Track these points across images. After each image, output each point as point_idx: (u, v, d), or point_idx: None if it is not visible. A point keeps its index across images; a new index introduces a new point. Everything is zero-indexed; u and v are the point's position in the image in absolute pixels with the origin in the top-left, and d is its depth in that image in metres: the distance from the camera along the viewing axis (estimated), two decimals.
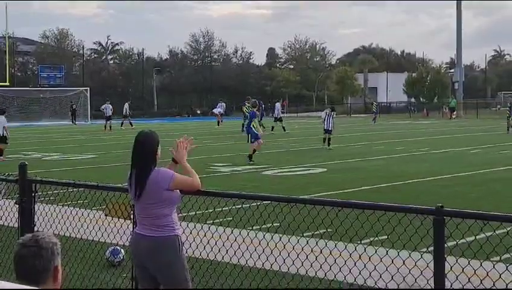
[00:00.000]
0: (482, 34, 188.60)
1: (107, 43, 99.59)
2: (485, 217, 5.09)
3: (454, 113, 67.41)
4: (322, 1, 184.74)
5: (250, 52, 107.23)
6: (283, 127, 42.47)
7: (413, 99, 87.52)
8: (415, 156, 25.80)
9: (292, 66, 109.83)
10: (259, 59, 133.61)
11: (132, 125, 49.18)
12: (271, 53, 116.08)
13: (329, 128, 29.42)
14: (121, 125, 51.11)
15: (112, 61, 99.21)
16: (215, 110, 57.08)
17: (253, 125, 24.62)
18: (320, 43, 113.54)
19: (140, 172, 5.75)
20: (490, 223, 4.93)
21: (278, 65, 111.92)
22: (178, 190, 5.82)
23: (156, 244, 5.68)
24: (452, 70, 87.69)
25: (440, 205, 4.83)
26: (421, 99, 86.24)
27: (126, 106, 54.41)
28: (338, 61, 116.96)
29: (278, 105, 46.87)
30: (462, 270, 5.45)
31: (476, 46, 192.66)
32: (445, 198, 14.39)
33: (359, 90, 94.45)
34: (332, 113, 30.57)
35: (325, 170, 21.25)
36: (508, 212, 5.71)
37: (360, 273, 6.26)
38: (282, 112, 51.62)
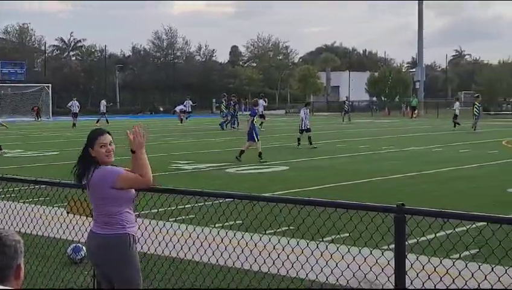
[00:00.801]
0: (444, 34, 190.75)
1: (69, 39, 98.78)
2: (445, 215, 5.14)
3: (416, 112, 68.05)
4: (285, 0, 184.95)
5: (213, 50, 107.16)
6: (261, 124, 43.03)
7: (375, 98, 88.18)
8: (378, 154, 26.00)
9: (255, 64, 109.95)
10: (223, 57, 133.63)
11: (108, 122, 49.41)
12: (234, 51, 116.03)
13: (309, 127, 29.20)
14: (97, 122, 51.07)
15: (74, 58, 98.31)
16: (177, 108, 57.37)
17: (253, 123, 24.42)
18: (283, 41, 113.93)
19: (81, 170, 5.74)
20: (450, 221, 4.98)
21: (241, 63, 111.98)
22: (131, 188, 5.73)
23: (105, 242, 5.62)
24: (413, 70, 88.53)
25: (401, 203, 4.86)
26: (383, 98, 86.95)
27: (103, 102, 54.72)
28: (301, 60, 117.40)
29: (261, 102, 47.20)
30: (423, 267, 5.50)
31: (437, 46, 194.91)
32: (407, 196, 14.52)
33: (322, 88, 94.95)
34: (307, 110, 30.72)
35: (288, 167, 21.31)
36: (468, 210, 5.79)
37: (321, 270, 6.28)
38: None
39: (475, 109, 41.76)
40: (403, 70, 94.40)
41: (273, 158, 23.97)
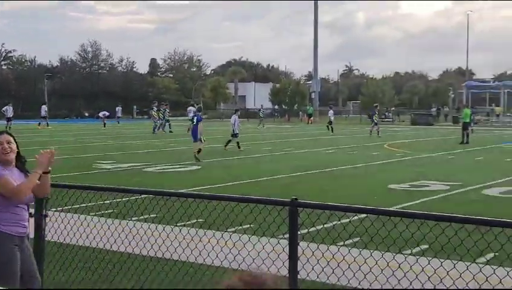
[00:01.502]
0: (336, 51, 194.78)
1: (0, 50, 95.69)
2: (332, 208, 5.25)
3: (312, 118, 69.04)
4: (198, 15, 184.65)
5: (133, 62, 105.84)
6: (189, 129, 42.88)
7: (277, 106, 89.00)
8: (280, 155, 26.24)
9: (172, 75, 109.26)
10: (142, 68, 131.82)
11: (48, 125, 48.99)
12: (153, 63, 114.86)
13: (237, 133, 28.80)
14: (38, 125, 50.32)
15: (5, 67, 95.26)
16: (101, 113, 57.27)
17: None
18: (196, 55, 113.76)
19: None
20: (336, 213, 5.07)
21: (159, 74, 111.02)
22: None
23: None
24: (310, 82, 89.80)
25: (294, 197, 4.93)
26: (284, 106, 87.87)
27: (44, 107, 53.89)
28: (212, 72, 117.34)
29: (191, 109, 47.00)
30: (313, 253, 5.59)
31: (330, 61, 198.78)
32: (301, 191, 14.71)
33: (230, 97, 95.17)
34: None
35: (199, 167, 21.24)
36: (353, 203, 5.92)
37: (225, 257, 6.30)
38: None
39: (375, 117, 42.21)
40: (301, 82, 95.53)
41: (188, 159, 23.88)
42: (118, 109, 62.51)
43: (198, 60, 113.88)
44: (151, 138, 38.50)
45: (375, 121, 41.87)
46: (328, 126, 46.25)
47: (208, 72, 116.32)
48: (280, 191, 14.69)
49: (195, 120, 24.73)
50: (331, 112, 48.40)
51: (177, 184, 16.14)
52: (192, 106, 49.27)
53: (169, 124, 45.20)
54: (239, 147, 28.26)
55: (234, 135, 28.54)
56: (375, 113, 42.70)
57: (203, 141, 24.18)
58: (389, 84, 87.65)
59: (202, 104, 58.11)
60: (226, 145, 28.30)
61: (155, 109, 45.22)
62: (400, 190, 15.49)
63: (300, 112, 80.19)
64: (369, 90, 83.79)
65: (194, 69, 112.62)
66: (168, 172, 19.83)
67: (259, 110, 63.69)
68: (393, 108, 76.19)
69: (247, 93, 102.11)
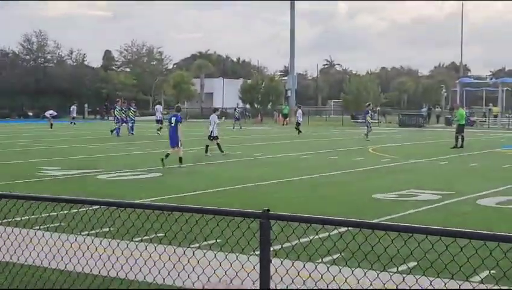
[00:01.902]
0: (315, 44, 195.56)
1: None
2: (308, 220, 5.27)
3: (287, 119, 69.29)
4: (158, 1, 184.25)
5: (84, 54, 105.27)
6: (160, 128, 43.43)
7: (248, 106, 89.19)
8: (250, 161, 26.27)
9: (129, 69, 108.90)
10: (95, 61, 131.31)
11: None
12: (107, 55, 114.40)
13: (216, 135, 28.71)
14: None
15: None
16: (47, 113, 56.92)
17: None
18: (157, 47, 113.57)
19: None
20: (313, 226, 5.09)
21: (114, 68, 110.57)
22: None
23: None
24: (286, 78, 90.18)
25: (266, 208, 4.93)
26: (256, 105, 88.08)
27: None
28: (175, 66, 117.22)
29: (159, 107, 46.94)
30: (287, 271, 5.61)
31: (309, 54, 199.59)
32: (275, 202, 14.74)
33: (195, 95, 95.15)
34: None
35: (160, 174, 21.19)
36: (332, 215, 5.96)
37: (188, 276, 6.29)
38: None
39: (368, 117, 42.15)
40: (276, 78, 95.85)
41: (147, 164, 23.79)
42: (73, 108, 63.01)
43: (159, 52, 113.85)
44: (107, 140, 38.28)
45: (369, 122, 41.78)
46: (296, 128, 46.37)
47: (170, 67, 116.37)
48: (250, 202, 14.69)
49: (173, 121, 24.30)
50: (299, 112, 48.53)
51: (135, 193, 16.07)
52: (160, 104, 49.28)
53: (131, 126, 44.87)
54: (222, 151, 28.21)
55: (213, 138, 28.54)
56: (368, 113, 42.67)
57: (180, 146, 23.96)
58: (374, 81, 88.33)
59: (162, 102, 58.17)
60: (206, 151, 28.24)
61: (118, 108, 45.07)
62: (385, 200, 15.60)
63: (275, 112, 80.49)
64: (352, 87, 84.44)
65: (154, 63, 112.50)
66: (125, 180, 19.74)
67: (235, 109, 64.34)
68: (378, 108, 76.82)
69: (215, 90, 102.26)
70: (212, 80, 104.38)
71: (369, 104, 45.28)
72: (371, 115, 43.46)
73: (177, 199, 15.43)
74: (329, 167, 23.79)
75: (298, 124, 46.72)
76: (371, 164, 24.91)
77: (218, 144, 28.48)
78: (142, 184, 18.66)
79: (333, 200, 15.78)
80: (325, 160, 26.85)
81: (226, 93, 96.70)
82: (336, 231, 7.46)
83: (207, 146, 28.41)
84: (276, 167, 23.99)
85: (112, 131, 43.47)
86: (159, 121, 46.40)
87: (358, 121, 73.04)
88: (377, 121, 69.47)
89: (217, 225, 5.72)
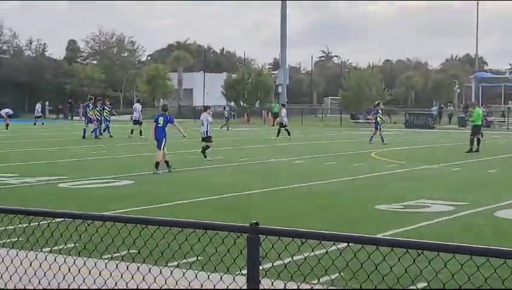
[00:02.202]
0: (310, 33, 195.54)
1: None
2: (303, 235, 5.27)
3: (277, 119, 69.35)
4: None
5: (45, 44, 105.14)
6: (140, 131, 43.84)
7: (233, 103, 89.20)
8: (236, 166, 26.27)
9: (96, 62, 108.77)
10: (58, 52, 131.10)
11: None
12: (72, 46, 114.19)
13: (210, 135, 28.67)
14: None
15: None
16: (3, 112, 56.87)
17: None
18: (128, 36, 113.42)
19: None
20: (308, 242, 5.09)
21: (79, 60, 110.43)
22: None
23: None
24: (276, 72, 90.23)
25: (255, 221, 4.93)
26: (242, 103, 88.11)
27: None
28: (149, 58, 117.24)
29: (138, 106, 47.00)
30: None
31: (302, 46, 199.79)
32: (263, 214, 14.75)
33: (172, 91, 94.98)
34: None
35: (132, 182, 21.15)
36: (330, 229, 5.97)
37: None
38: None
39: (379, 117, 41.90)
40: (264, 72, 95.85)
41: (119, 171, 23.77)
42: (38, 106, 64.02)
43: (131, 42, 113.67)
44: (73, 143, 38.23)
45: (379, 123, 41.35)
46: (284, 130, 45.43)
47: (144, 59, 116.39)
48: (236, 214, 14.70)
49: (161, 121, 24.35)
50: (283, 111, 47.93)
51: (104, 204, 16.05)
52: (139, 102, 49.02)
53: (99, 128, 44.80)
54: (205, 156, 28.23)
55: (208, 138, 28.51)
56: (378, 112, 42.34)
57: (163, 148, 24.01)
58: (377, 76, 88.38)
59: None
60: (205, 155, 28.24)
61: (99, 107, 44.99)
62: (390, 212, 15.64)
63: (264, 111, 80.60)
64: (352, 83, 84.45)
65: (126, 55, 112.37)
66: (93, 188, 19.71)
67: (224, 108, 65.57)
68: (382, 106, 76.79)
69: (195, 86, 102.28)
70: (191, 74, 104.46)
71: (379, 103, 45.14)
72: (381, 115, 43.17)
73: (153, 210, 15.41)
74: (327, 173, 23.83)
75: (282, 124, 45.90)
76: (373, 171, 24.98)
77: (204, 148, 28.31)
78: (113, 193, 18.63)
79: (331, 212, 15.80)
80: (321, 166, 26.89)
81: (208, 89, 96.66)
82: (334, 247, 7.47)
83: (204, 149, 28.38)
84: (265, 173, 24.00)
85: (85, 133, 43.45)
86: (136, 122, 45.90)
87: (359, 121, 73.30)
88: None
89: (198, 240, 5.71)
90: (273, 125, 67.31)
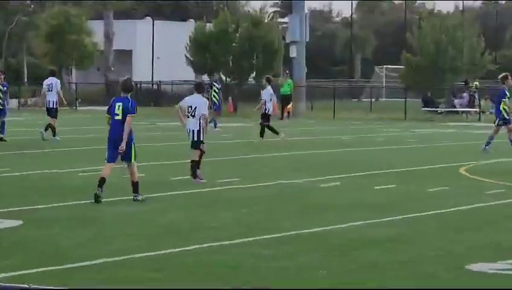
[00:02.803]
0: None
1: None
2: None
3: (289, 106, 69.97)
4: None
5: None
6: (53, 129, 45.44)
7: (207, 77, 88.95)
8: (216, 193, 26.31)
9: None
10: None
11: None
12: None
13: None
14: None
15: None
16: None
17: None
18: None
19: None
20: None
21: None
22: None
23: None
24: (286, 20, 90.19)
25: None
26: (224, 77, 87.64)
27: None
28: None
29: (55, 82, 48.12)
30: None
31: None
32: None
33: (95, 54, 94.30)
34: None
35: (22, 222, 21.04)
36: None
37: None
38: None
39: (503, 105, 39.68)
40: (266, 19, 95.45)
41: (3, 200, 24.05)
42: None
43: None
44: None
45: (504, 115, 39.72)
46: (266, 125, 44.82)
47: None
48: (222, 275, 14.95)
49: (119, 110, 24.48)
50: (268, 90, 46.11)
51: None
52: (54, 74, 49.01)
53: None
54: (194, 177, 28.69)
55: (199, 143, 28.82)
56: (504, 95, 39.68)
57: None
58: (472, 27, 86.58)
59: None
60: (194, 174, 28.60)
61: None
62: (489, 276, 15.86)
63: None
64: (424, 40, 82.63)
65: None
66: None
67: (211, 86, 64.57)
68: (476, 82, 74.31)
69: (137, 45, 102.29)
70: (130, 22, 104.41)
71: (507, 76, 41.87)
72: (467, 95, 42.59)
73: (66, 272, 15.57)
74: (378, 206, 23.88)
75: (265, 116, 44.98)
76: (461, 201, 25.01)
77: (193, 162, 28.58)
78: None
79: (389, 273, 15.96)
80: (368, 191, 26.91)
81: (160, 51, 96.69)
82: None
83: (195, 163, 28.85)
84: (267, 204, 24.11)
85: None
86: (51, 110, 45.70)
87: (438, 109, 71.49)
88: (474, 109, 66.16)
89: None
90: (282, 116, 67.41)
